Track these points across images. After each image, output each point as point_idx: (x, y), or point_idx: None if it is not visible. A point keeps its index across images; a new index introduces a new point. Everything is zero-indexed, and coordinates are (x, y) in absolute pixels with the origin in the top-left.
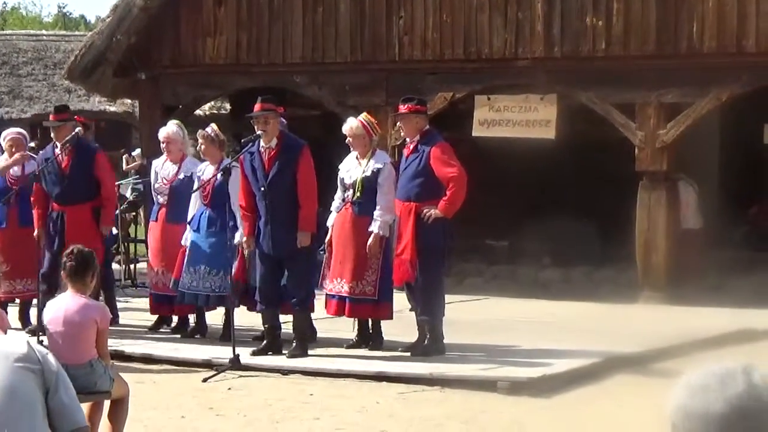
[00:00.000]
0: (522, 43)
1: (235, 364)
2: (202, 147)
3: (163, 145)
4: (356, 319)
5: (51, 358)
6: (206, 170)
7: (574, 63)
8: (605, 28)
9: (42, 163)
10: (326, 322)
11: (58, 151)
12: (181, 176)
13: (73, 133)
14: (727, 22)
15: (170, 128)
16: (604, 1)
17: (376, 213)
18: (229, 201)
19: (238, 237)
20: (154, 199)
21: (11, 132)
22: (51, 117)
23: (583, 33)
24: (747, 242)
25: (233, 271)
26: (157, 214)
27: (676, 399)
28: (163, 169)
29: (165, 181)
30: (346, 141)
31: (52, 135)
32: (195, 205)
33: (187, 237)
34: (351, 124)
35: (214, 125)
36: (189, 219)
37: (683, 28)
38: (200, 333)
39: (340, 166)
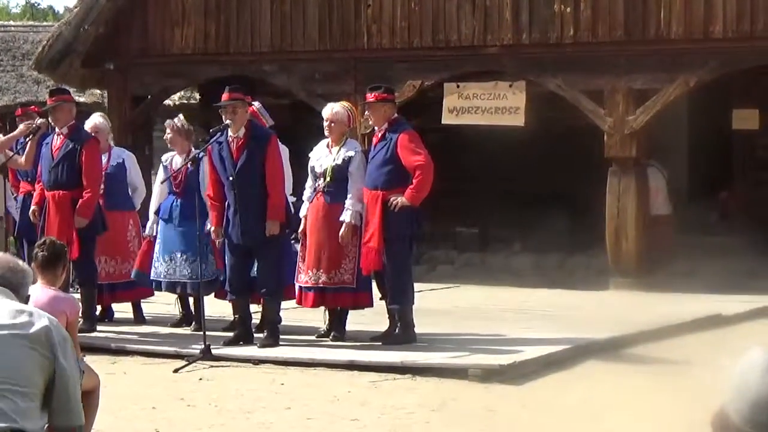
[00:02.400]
0: (490, 30)
1: (206, 354)
2: (170, 137)
3: None
4: (326, 308)
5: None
6: (173, 160)
7: (543, 50)
8: (573, 14)
9: (43, 146)
10: (296, 312)
11: (55, 136)
12: (114, 163)
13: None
14: (694, 8)
15: (97, 119)
16: None
17: (348, 202)
18: (200, 189)
19: (148, 229)
20: None
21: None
22: (48, 101)
23: (551, 20)
24: (717, 227)
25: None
26: (101, 209)
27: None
28: None
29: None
30: (325, 125)
31: (50, 119)
32: (161, 196)
33: (153, 227)
34: (334, 109)
35: (181, 116)
36: (155, 209)
37: (651, 15)
38: (187, 322)
39: (310, 155)
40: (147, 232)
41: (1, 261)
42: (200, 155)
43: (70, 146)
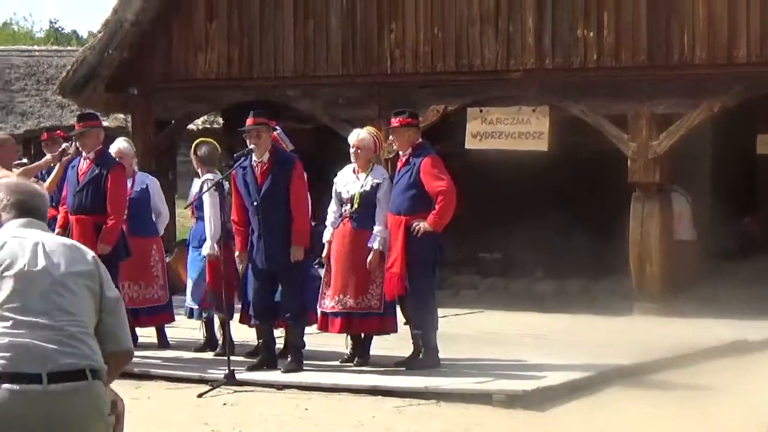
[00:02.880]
0: (513, 55)
1: (230, 379)
2: (197, 164)
3: None
4: (350, 334)
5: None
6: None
7: (566, 75)
8: (596, 39)
9: (69, 170)
10: (320, 337)
11: (81, 160)
12: (138, 189)
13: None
14: (717, 33)
15: (121, 144)
16: (595, 13)
17: (376, 229)
18: (211, 214)
19: (207, 248)
20: None
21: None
22: (76, 125)
23: (574, 44)
24: (741, 253)
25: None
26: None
27: None
28: None
29: None
30: (351, 151)
31: (77, 144)
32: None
33: (214, 246)
34: (360, 135)
35: (207, 146)
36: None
37: (674, 40)
38: (211, 347)
39: (335, 180)
40: (209, 252)
41: (20, 185)
42: (223, 180)
43: (96, 171)
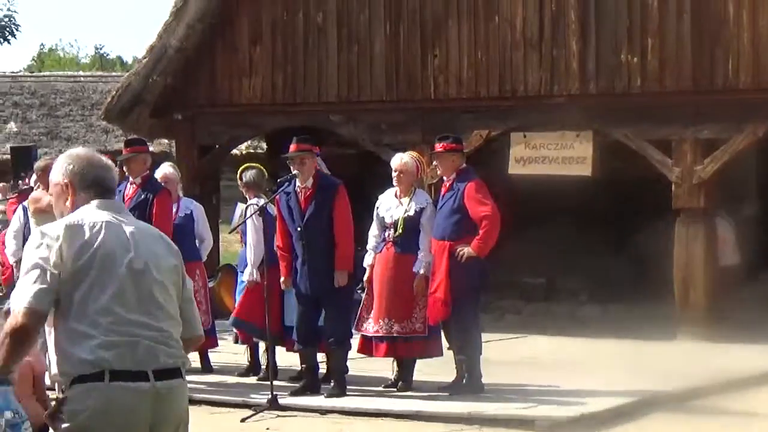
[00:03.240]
0: (557, 80)
1: (273, 404)
2: (243, 189)
3: None
4: (395, 358)
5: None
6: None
7: (610, 99)
8: (640, 64)
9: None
10: (363, 361)
11: (128, 185)
12: (182, 214)
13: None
14: (762, 58)
15: (167, 169)
16: (639, 38)
17: (421, 253)
18: (253, 239)
19: (246, 274)
20: None
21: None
22: (123, 150)
23: (617, 69)
24: None
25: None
26: None
27: None
28: None
29: None
30: (394, 175)
31: (124, 169)
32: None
33: (254, 272)
34: (403, 159)
35: (253, 171)
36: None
37: (719, 64)
38: (255, 371)
39: (377, 204)
40: (247, 277)
41: (95, 157)
42: (266, 205)
43: (143, 196)
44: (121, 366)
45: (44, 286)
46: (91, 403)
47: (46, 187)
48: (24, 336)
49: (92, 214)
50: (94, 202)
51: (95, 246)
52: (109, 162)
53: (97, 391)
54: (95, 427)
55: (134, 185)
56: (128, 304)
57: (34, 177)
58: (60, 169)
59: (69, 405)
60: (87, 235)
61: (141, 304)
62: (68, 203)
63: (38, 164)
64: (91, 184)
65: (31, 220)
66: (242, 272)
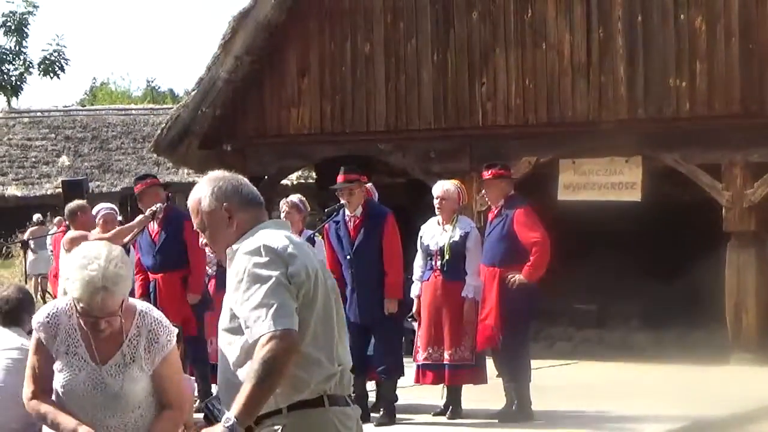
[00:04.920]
0: (605, 105)
1: None
2: (286, 214)
3: None
4: (444, 385)
5: None
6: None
7: (659, 124)
8: (689, 88)
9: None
10: (414, 390)
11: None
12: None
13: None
14: None
15: (294, 198)
16: (687, 62)
17: (469, 278)
18: None
19: None
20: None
21: (103, 207)
22: (135, 187)
23: (666, 94)
24: None
25: None
26: (207, 286)
27: None
28: None
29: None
30: (436, 202)
31: (139, 205)
32: None
33: None
34: (445, 186)
35: (299, 195)
36: None
37: None
38: None
39: (421, 234)
40: None
41: (232, 176)
42: (314, 235)
43: (170, 227)
44: (335, 391)
45: (293, 304)
46: (311, 428)
47: (79, 227)
48: (289, 361)
49: (282, 234)
50: (268, 222)
51: (308, 266)
52: (246, 180)
53: (317, 416)
54: None
55: (157, 219)
56: (337, 329)
57: (58, 218)
58: (209, 195)
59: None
60: (300, 252)
61: (341, 328)
62: (233, 229)
63: (70, 207)
64: (249, 201)
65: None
66: None
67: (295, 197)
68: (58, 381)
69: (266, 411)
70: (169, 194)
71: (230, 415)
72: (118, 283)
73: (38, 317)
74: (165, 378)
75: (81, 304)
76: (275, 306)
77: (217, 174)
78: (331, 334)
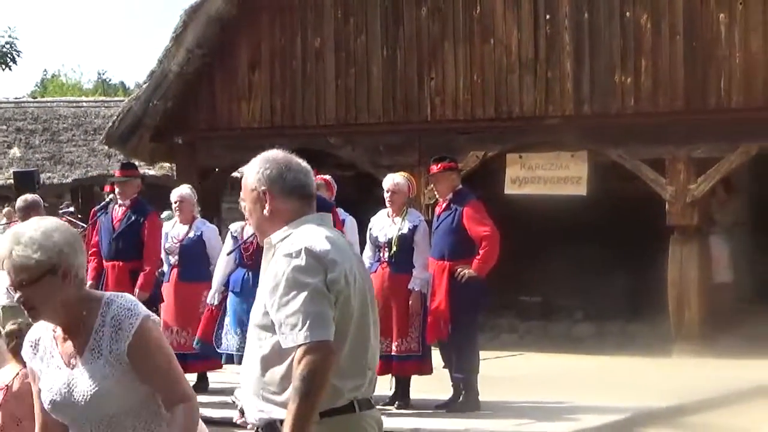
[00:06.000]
0: (552, 101)
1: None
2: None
3: (175, 205)
4: (393, 376)
5: None
6: (245, 231)
7: (604, 120)
8: (634, 85)
9: (101, 216)
10: None
11: (116, 207)
12: (191, 235)
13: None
14: (754, 77)
15: (184, 189)
16: (632, 59)
17: (416, 271)
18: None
19: (210, 298)
20: (164, 260)
21: (181, 191)
22: (116, 173)
23: (611, 90)
24: None
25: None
26: (169, 275)
27: None
28: (173, 229)
29: (175, 240)
30: (386, 195)
31: (116, 191)
32: (227, 266)
33: (216, 296)
34: (395, 180)
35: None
36: (222, 280)
37: (711, 84)
38: None
39: (370, 226)
40: (209, 301)
41: (290, 160)
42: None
43: (133, 218)
44: (364, 395)
45: (330, 313)
46: None
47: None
48: (328, 372)
49: (324, 235)
50: (310, 217)
51: (347, 271)
52: (308, 166)
53: (349, 422)
54: None
55: (123, 207)
56: (372, 330)
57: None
58: (256, 174)
59: None
60: (341, 257)
61: (375, 327)
62: (266, 212)
63: (23, 203)
64: (292, 190)
65: None
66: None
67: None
68: (44, 397)
69: None
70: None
71: None
72: (26, 244)
73: (24, 346)
74: (143, 369)
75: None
76: (312, 315)
77: (270, 155)
78: (367, 339)
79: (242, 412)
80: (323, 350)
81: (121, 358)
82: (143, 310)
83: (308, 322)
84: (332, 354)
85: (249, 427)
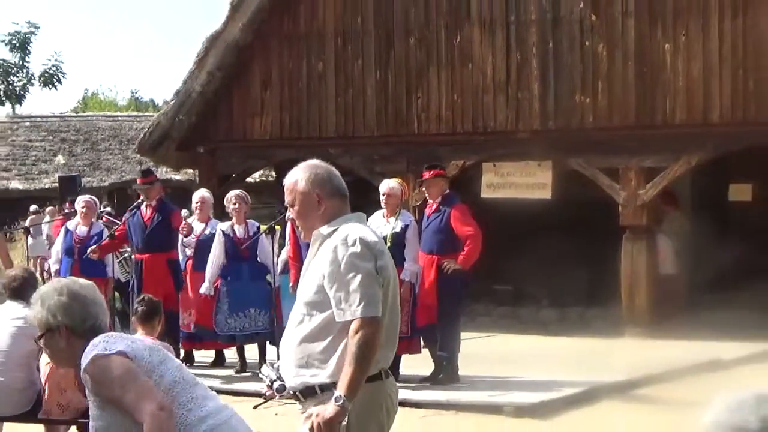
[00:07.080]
0: (522, 118)
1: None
2: (236, 207)
3: (196, 205)
4: None
5: None
6: (236, 229)
7: (566, 134)
8: (592, 104)
9: (129, 217)
10: None
11: (144, 208)
12: (207, 232)
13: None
14: (695, 98)
15: (203, 193)
16: (591, 81)
17: (406, 264)
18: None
19: (206, 289)
20: (180, 251)
21: (84, 197)
22: (138, 181)
23: (573, 109)
24: (718, 285)
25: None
26: (185, 264)
27: (714, 415)
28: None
29: (194, 236)
30: (382, 198)
31: (141, 196)
32: (218, 260)
33: (211, 287)
34: (390, 185)
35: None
36: (216, 272)
37: (658, 103)
38: (242, 368)
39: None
40: (205, 291)
41: (329, 167)
42: (273, 225)
43: (161, 217)
44: (387, 365)
45: (380, 294)
46: (372, 397)
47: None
48: (378, 342)
49: (370, 230)
50: (351, 216)
51: (388, 259)
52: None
53: (377, 388)
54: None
55: (150, 207)
56: (398, 314)
57: (50, 208)
58: (307, 179)
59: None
60: (384, 249)
61: (398, 310)
62: (320, 212)
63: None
64: (335, 191)
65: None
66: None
67: (240, 192)
68: None
69: (332, 381)
70: (167, 189)
71: (339, 394)
72: (34, 303)
73: None
74: (107, 400)
75: None
76: (367, 295)
77: (315, 162)
78: (396, 320)
79: (270, 386)
80: (375, 325)
81: (90, 391)
82: (99, 348)
83: (364, 300)
84: (382, 328)
85: (277, 398)
